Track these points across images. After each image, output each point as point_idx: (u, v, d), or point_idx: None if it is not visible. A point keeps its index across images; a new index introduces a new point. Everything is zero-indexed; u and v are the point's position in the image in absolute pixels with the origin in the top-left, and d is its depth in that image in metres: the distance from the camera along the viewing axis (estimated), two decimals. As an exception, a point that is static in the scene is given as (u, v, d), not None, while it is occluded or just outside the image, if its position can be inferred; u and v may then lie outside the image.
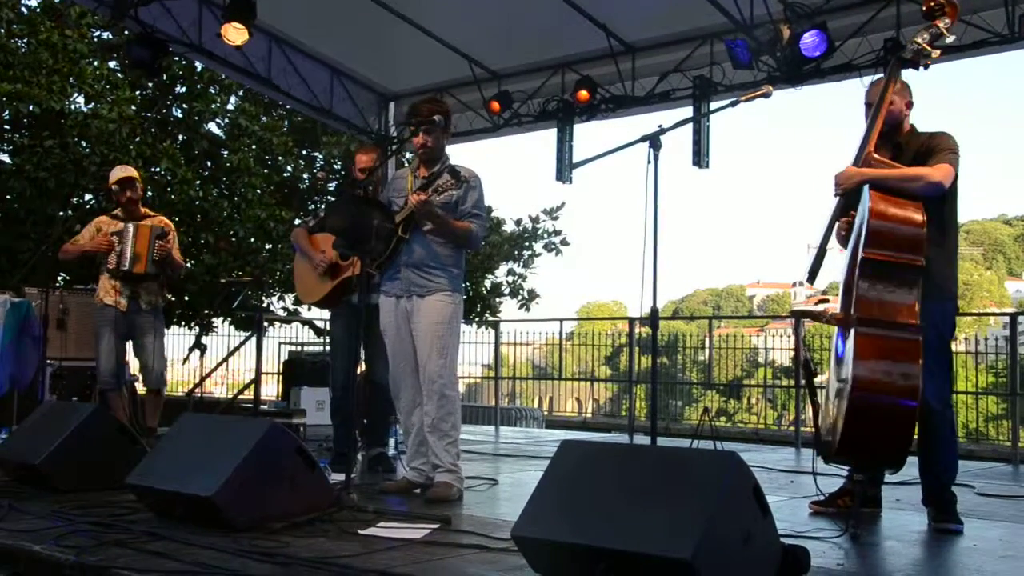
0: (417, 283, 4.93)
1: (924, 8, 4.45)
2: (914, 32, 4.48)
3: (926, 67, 4.38)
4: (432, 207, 4.80)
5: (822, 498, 4.66)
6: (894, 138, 4.45)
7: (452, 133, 9.30)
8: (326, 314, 6.75)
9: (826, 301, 4.42)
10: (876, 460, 4.12)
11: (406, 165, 5.96)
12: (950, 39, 4.39)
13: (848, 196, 4.31)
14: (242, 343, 13.65)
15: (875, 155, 4.29)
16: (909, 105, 4.50)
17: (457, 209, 4.96)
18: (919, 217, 4.03)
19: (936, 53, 4.33)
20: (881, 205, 4.04)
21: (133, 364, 7.47)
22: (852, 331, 3.99)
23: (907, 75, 4.46)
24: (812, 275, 4.47)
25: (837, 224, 4.45)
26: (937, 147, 4.30)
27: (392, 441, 6.55)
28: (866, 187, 4.14)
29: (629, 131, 4.47)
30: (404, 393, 5.07)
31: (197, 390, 12.63)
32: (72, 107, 12.87)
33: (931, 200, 4.15)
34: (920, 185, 4.14)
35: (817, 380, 4.89)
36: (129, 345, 7.05)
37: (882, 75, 4.58)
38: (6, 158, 13.10)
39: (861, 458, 4.09)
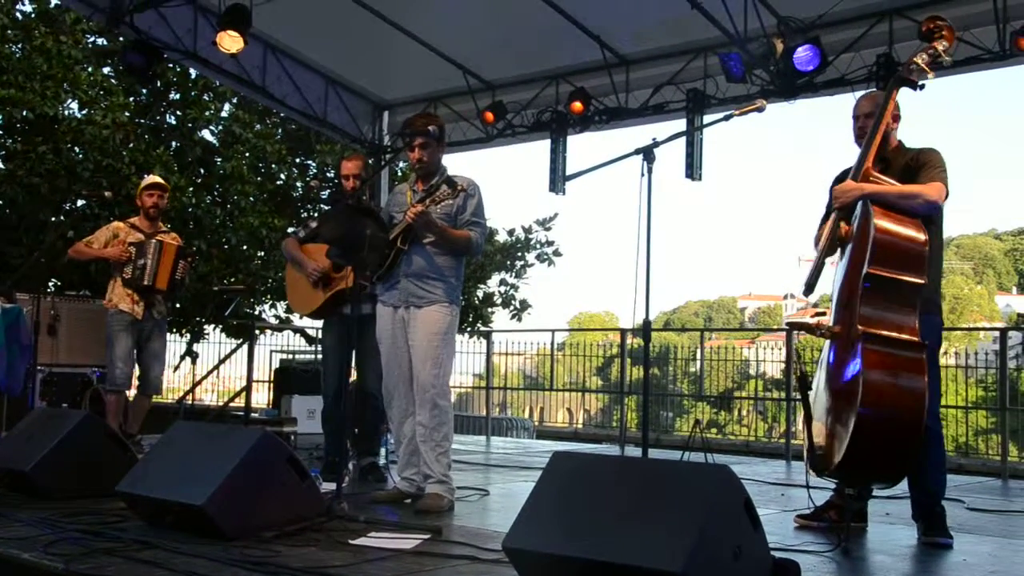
0: (416, 294, 4.94)
1: (923, 29, 4.47)
2: (911, 50, 4.51)
3: (922, 87, 4.42)
4: (430, 217, 4.81)
5: (808, 511, 4.67)
6: (881, 152, 4.47)
7: (448, 143, 9.34)
8: (318, 323, 6.76)
9: (822, 314, 4.43)
10: (879, 476, 4.12)
11: (399, 174, 5.97)
12: (947, 60, 4.41)
13: (845, 210, 4.32)
14: (233, 351, 13.65)
15: (873, 172, 4.32)
16: (896, 119, 4.52)
17: (457, 218, 4.97)
18: (922, 236, 4.07)
19: (932, 75, 4.36)
20: (885, 222, 4.06)
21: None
22: (858, 347, 3.97)
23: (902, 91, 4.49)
24: (809, 288, 4.49)
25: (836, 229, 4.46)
26: (926, 164, 4.33)
27: (383, 451, 6.54)
28: (866, 202, 4.15)
29: (623, 143, 4.50)
30: (397, 403, 5.07)
31: (188, 397, 12.61)
32: (66, 113, 12.86)
33: (921, 215, 4.18)
34: (917, 203, 4.16)
35: (811, 394, 4.89)
36: None
37: (873, 89, 4.62)
38: (-1, 163, 13.07)
39: (865, 474, 4.09)
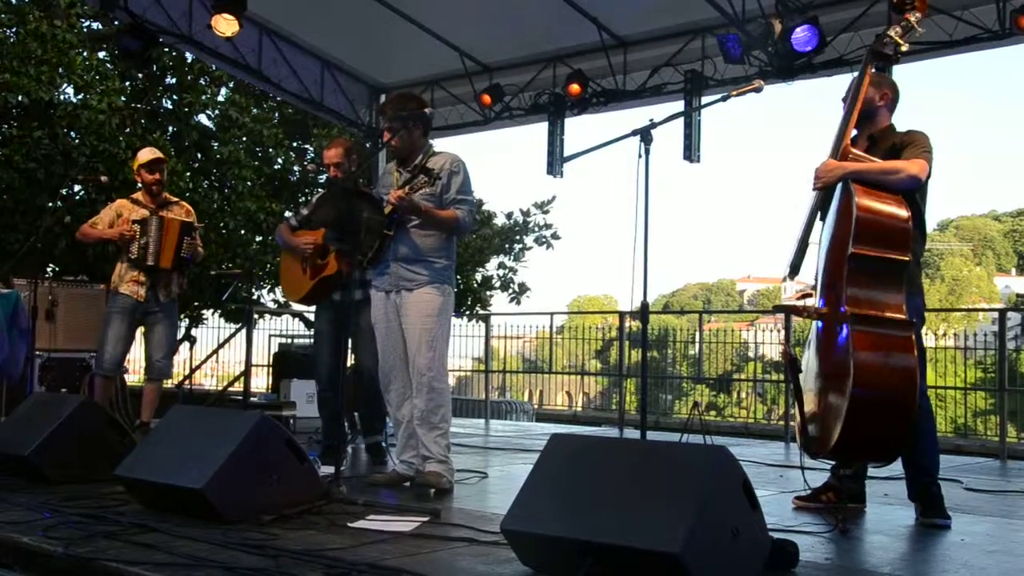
0: (406, 277, 4.93)
1: (895, 1, 4.48)
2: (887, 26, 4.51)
3: (898, 60, 4.43)
4: (413, 202, 4.78)
5: (806, 493, 4.68)
6: (868, 130, 4.48)
7: (444, 126, 9.27)
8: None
9: (810, 296, 4.44)
10: (874, 455, 4.14)
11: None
12: (920, 32, 4.41)
13: (827, 189, 4.33)
14: (232, 335, 13.65)
15: (852, 149, 4.32)
16: (884, 97, 4.50)
17: (442, 198, 4.95)
18: (904, 213, 4.07)
19: (905, 46, 4.36)
20: (867, 200, 4.07)
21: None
22: (847, 328, 3.98)
23: (898, 70, 4.47)
24: (794, 270, 4.50)
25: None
26: (911, 143, 4.34)
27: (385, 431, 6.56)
28: (847, 181, 4.16)
29: (620, 125, 4.46)
30: (394, 386, 5.07)
31: (187, 382, 12.61)
32: (61, 98, 12.80)
33: (903, 196, 4.19)
34: (898, 178, 4.17)
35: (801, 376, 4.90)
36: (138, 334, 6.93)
37: (850, 76, 4.65)
38: (-6, 149, 13.03)
39: (860, 454, 4.10)
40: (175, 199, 7.06)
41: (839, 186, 4.21)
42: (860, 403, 3.88)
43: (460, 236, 5.43)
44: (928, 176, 4.28)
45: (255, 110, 14.98)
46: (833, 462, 4.53)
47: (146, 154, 6.92)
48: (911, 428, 3.96)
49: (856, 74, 4.47)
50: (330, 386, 6.01)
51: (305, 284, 6.01)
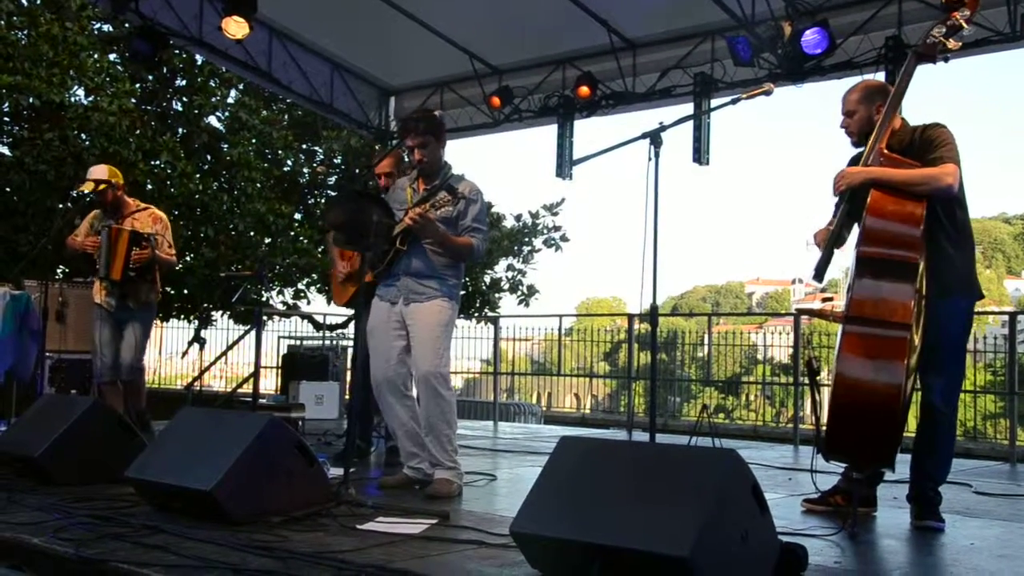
0: (416, 291, 4.92)
1: (944, 0, 4.28)
2: (920, 32, 4.43)
3: (945, 60, 4.27)
4: (430, 223, 4.78)
5: (815, 496, 4.66)
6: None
7: (453, 128, 9.29)
8: (325, 308, 6.85)
9: (830, 299, 4.40)
10: (863, 458, 4.09)
11: (405, 159, 5.96)
12: (968, 32, 4.22)
13: (852, 194, 4.23)
14: (241, 337, 13.65)
15: (886, 151, 4.17)
16: (879, 109, 4.28)
17: (457, 224, 4.95)
18: (918, 212, 3.94)
19: (953, 45, 4.16)
20: (879, 202, 3.98)
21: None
22: (840, 329, 3.96)
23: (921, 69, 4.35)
24: (819, 273, 4.36)
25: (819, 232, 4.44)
26: (935, 141, 4.16)
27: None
28: (868, 186, 4.07)
29: (630, 127, 4.45)
30: (384, 396, 5.04)
31: (196, 384, 12.64)
32: (72, 100, 12.88)
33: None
34: (928, 189, 4.01)
35: (819, 378, 4.88)
36: None
37: (859, 79, 4.59)
38: (6, 150, 13.10)
39: (848, 456, 4.07)
40: (144, 206, 6.96)
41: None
42: (838, 405, 3.85)
43: (471, 262, 5.43)
44: (960, 175, 4.09)
45: (265, 112, 15.04)
46: (846, 465, 4.49)
47: (85, 185, 6.78)
48: (896, 431, 3.85)
49: (852, 82, 4.40)
50: (361, 389, 6.10)
51: (348, 289, 6.27)
